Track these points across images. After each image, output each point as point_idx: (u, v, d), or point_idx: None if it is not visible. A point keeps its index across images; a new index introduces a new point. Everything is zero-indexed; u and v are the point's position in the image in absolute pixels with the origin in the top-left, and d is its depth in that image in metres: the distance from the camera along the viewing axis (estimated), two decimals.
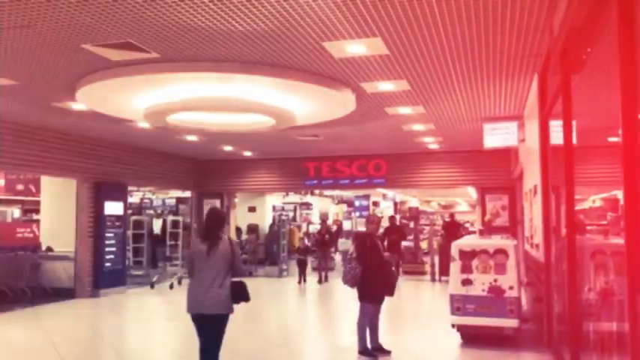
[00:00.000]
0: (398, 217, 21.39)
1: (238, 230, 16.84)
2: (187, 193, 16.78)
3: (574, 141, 4.99)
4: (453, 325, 7.10)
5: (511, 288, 6.76)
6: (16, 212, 16.24)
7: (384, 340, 6.77)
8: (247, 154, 14.56)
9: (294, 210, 24.17)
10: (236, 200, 17.03)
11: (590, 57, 4.83)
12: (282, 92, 7.29)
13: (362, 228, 10.67)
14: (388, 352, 6.59)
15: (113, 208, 12.05)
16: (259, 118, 8.44)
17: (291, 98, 7.61)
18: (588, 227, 9.14)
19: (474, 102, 8.39)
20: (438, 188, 17.25)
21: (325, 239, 15.02)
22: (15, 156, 9.90)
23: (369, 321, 6.56)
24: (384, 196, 26.63)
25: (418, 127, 10.40)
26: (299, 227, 21.04)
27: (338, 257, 18.43)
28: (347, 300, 8.99)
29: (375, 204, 27.06)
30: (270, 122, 8.59)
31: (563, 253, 5.30)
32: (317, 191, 23.54)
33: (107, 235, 11.87)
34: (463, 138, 11.55)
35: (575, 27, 3.97)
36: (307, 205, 25.38)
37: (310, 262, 15.52)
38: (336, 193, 26.26)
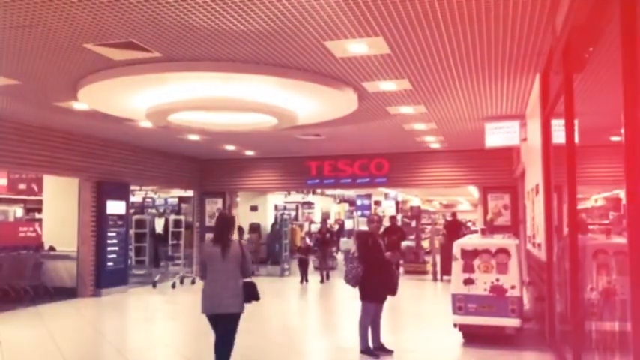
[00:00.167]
0: (400, 216, 21.39)
1: (240, 230, 16.83)
2: (189, 193, 16.81)
3: (576, 140, 4.99)
4: (455, 325, 7.11)
5: (513, 287, 6.76)
6: (18, 211, 16.28)
7: (385, 339, 6.77)
8: (249, 153, 14.57)
9: (296, 209, 24.19)
10: (238, 200, 17.04)
11: (592, 56, 4.84)
12: (284, 92, 7.29)
13: (364, 227, 10.68)
14: (390, 352, 6.58)
15: (115, 207, 12.07)
16: (261, 117, 8.45)
17: (293, 98, 7.61)
18: (590, 226, 9.13)
19: (476, 101, 8.38)
20: (440, 187, 17.23)
21: (326, 238, 15.03)
22: (18, 155, 9.92)
23: (371, 320, 6.56)
24: (386, 196, 26.64)
25: (420, 126, 10.40)
26: (301, 227, 21.07)
27: (340, 256, 18.46)
28: (349, 299, 9.00)
29: (377, 203, 27.07)
30: (272, 122, 8.59)
31: (565, 252, 5.30)
32: (319, 190, 23.55)
33: (109, 234, 11.90)
34: (465, 137, 11.54)
35: (577, 26, 3.96)
36: (309, 205, 25.40)
37: (312, 261, 15.54)
38: (338, 192, 26.27)
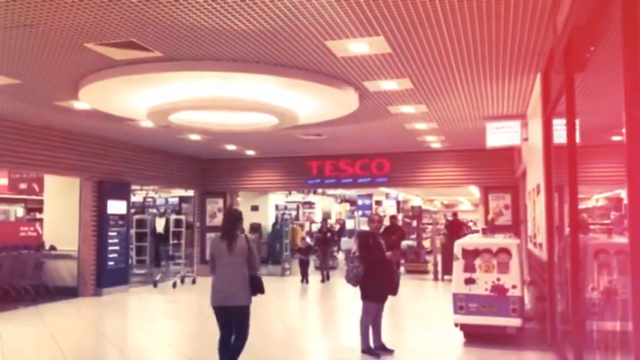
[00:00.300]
0: (401, 215, 21.39)
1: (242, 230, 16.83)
2: (190, 192, 16.81)
3: (577, 140, 4.99)
4: (456, 324, 7.10)
5: (514, 287, 6.75)
6: (19, 211, 16.30)
7: (386, 339, 6.77)
8: (250, 153, 14.57)
9: (297, 209, 24.17)
10: (239, 199, 17.04)
11: (593, 56, 4.83)
12: (285, 91, 7.28)
13: (365, 227, 10.67)
14: (391, 351, 6.58)
15: (116, 207, 12.07)
16: (262, 117, 8.44)
17: (294, 97, 7.60)
18: (591, 226, 9.12)
19: (477, 100, 8.37)
20: (441, 187, 17.22)
21: (327, 238, 15.01)
22: (18, 155, 9.93)
23: (371, 320, 6.56)
24: (387, 195, 26.63)
25: (421, 125, 10.39)
26: (302, 226, 21.06)
27: (341, 256, 18.45)
28: (350, 299, 9.00)
29: (378, 203, 27.07)
30: (273, 121, 8.59)
31: (567, 252, 5.30)
32: (320, 190, 23.54)
33: (110, 233, 11.90)
34: (466, 137, 11.53)
35: (578, 26, 3.96)
36: (310, 205, 25.39)
37: (313, 261, 15.53)
38: (339, 192, 26.26)
